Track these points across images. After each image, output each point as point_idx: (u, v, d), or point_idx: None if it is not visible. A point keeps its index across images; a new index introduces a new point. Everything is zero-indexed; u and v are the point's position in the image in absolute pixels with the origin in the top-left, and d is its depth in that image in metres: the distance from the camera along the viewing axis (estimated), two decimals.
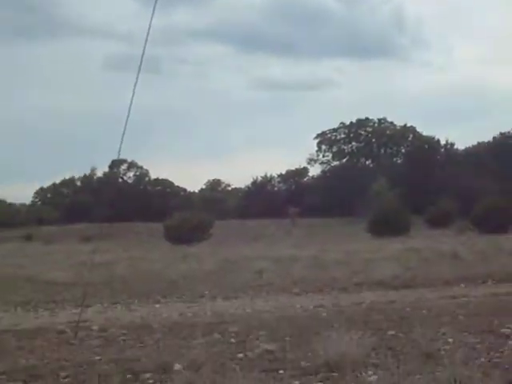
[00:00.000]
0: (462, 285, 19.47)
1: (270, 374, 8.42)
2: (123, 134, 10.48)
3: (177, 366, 8.64)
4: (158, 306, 16.82)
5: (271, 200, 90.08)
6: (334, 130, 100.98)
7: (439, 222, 62.50)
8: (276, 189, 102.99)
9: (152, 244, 49.73)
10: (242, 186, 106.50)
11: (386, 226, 52.07)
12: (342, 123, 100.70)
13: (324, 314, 13.98)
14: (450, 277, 20.71)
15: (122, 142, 10.46)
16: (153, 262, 29.18)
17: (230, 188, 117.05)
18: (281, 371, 8.58)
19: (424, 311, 13.94)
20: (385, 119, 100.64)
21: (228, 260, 29.41)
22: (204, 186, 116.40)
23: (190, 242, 48.54)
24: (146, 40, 9.17)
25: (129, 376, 8.42)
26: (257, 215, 79.32)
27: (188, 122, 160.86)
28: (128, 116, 9.14)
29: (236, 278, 22.21)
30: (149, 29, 9.03)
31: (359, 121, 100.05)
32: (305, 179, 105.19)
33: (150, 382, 8.16)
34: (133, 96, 9.41)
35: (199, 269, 25.10)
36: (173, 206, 77.74)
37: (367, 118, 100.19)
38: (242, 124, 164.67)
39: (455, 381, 7.50)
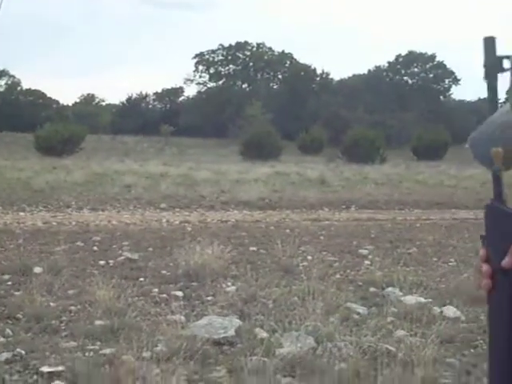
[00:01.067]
0: (326, 209, 19.92)
1: (130, 281, 8.48)
2: None
3: (37, 269, 8.59)
4: (22, 213, 16.35)
5: (145, 118, 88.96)
6: (213, 51, 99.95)
7: (310, 148, 63.32)
8: (151, 107, 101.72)
9: (21, 154, 48.38)
10: (117, 102, 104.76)
11: (257, 149, 52.44)
12: (220, 45, 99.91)
13: (189, 229, 14.10)
14: (316, 201, 21.15)
15: None
16: (20, 170, 28.36)
17: (104, 103, 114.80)
18: (141, 279, 8.67)
19: (287, 231, 14.28)
20: (263, 44, 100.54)
21: (97, 173, 29.04)
22: (78, 100, 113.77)
23: (60, 154, 47.59)
24: None
25: None
26: (130, 132, 78.25)
27: (65, 33, 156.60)
28: None
29: (104, 190, 21.90)
30: None
31: (238, 44, 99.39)
32: (180, 99, 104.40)
33: (9, 283, 8.08)
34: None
35: (67, 180, 24.58)
36: (45, 117, 75.50)
37: (246, 42, 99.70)
38: (121, 40, 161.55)
39: (309, 293, 7.77)
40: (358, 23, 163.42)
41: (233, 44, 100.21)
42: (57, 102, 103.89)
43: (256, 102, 75.82)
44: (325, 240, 12.99)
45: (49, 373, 5.09)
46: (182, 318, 6.72)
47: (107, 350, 5.68)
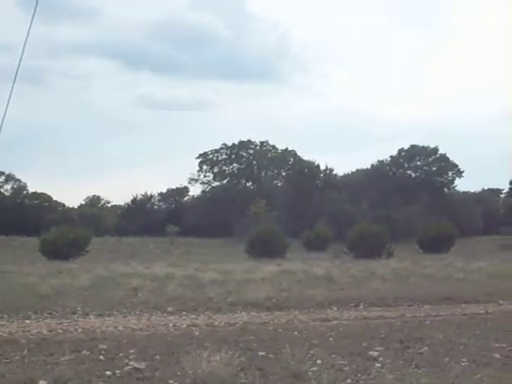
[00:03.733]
0: (335, 308, 19.72)
1: None
2: None
3: (42, 383, 8.44)
4: (28, 321, 16.18)
5: (151, 218, 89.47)
6: (216, 150, 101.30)
7: (316, 245, 63.46)
8: (156, 207, 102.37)
9: (28, 259, 48.39)
10: (122, 203, 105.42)
11: (263, 247, 52.55)
12: (223, 144, 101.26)
13: (196, 333, 13.93)
14: (323, 299, 20.96)
15: None
16: (26, 276, 28.33)
17: (109, 205, 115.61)
18: None
19: (296, 333, 14.10)
20: (267, 142, 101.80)
21: (103, 276, 28.98)
22: (83, 202, 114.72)
23: (66, 257, 47.68)
24: (24, 50, 8.92)
25: None
26: (136, 233, 78.60)
27: (69, 137, 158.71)
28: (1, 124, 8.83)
29: (110, 294, 21.81)
30: (26, 38, 8.78)
31: (241, 143, 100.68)
32: (185, 199, 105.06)
33: None
34: (7, 107, 9.11)
35: (72, 284, 24.50)
36: (50, 220, 75.92)
37: (249, 141, 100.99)
38: (123, 142, 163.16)
39: None
40: (359, 118, 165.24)
41: (236, 143, 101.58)
42: (62, 205, 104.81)
43: (260, 200, 76.35)
44: (334, 342, 12.80)
45: None
46: None
47: None
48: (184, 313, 18.34)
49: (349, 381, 9.07)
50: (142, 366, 9.85)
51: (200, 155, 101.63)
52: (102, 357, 10.84)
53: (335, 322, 16.61)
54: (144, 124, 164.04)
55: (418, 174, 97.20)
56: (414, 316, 17.69)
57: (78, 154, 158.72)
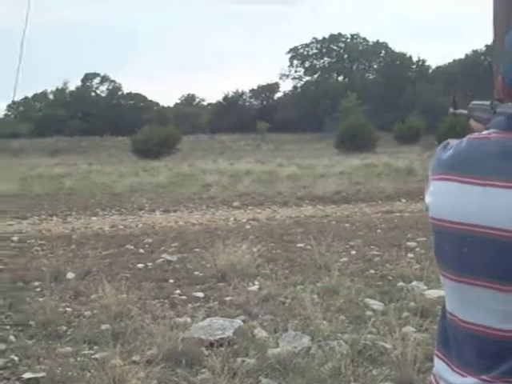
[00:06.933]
0: (404, 200, 19.60)
1: (159, 282, 8.58)
2: None
3: (69, 275, 8.77)
4: (94, 218, 16.64)
5: (242, 115, 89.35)
6: (307, 45, 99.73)
7: (407, 138, 62.44)
8: (247, 104, 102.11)
9: (119, 158, 49.36)
10: (215, 101, 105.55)
11: (352, 141, 52.07)
12: (314, 38, 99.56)
13: (248, 227, 14.09)
14: (394, 192, 20.86)
15: None
16: (107, 174, 28.99)
17: (204, 103, 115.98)
18: (171, 280, 8.74)
19: (347, 225, 14.12)
20: (357, 35, 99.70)
21: (183, 174, 29.40)
22: (178, 101, 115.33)
23: (157, 156, 48.29)
24: None
25: (19, 284, 8.54)
26: (228, 130, 78.85)
27: (162, 35, 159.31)
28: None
29: (184, 191, 22.20)
30: None
31: (332, 36, 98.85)
32: (276, 95, 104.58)
33: (38, 289, 8.26)
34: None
35: (150, 182, 24.96)
36: (146, 120, 76.76)
37: (340, 34, 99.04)
38: (217, 38, 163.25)
39: (332, 290, 7.71)
40: (452, 9, 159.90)
41: (326, 37, 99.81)
42: (157, 104, 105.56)
43: (351, 94, 75.20)
44: (380, 233, 12.80)
45: (28, 379, 5.20)
46: (189, 319, 6.75)
47: (99, 355, 5.76)
48: (250, 207, 18.49)
49: (372, 271, 9.09)
50: (174, 258, 10.10)
51: (290, 50, 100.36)
52: (142, 250, 11.14)
53: (397, 214, 16.51)
54: (236, 20, 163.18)
55: None
56: None
57: (172, 51, 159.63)
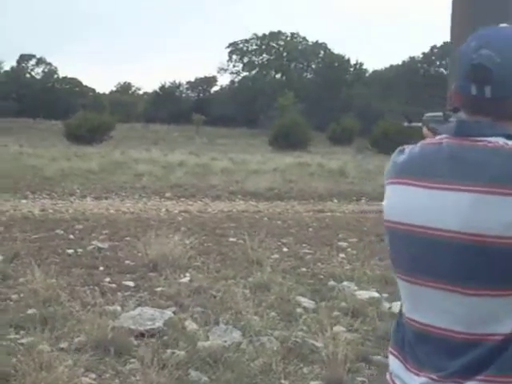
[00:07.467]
0: (336, 200, 19.72)
1: (88, 269, 8.46)
2: None
3: None
4: (24, 201, 16.28)
5: (178, 106, 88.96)
6: (246, 40, 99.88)
7: (340, 139, 62.95)
8: (184, 96, 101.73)
9: (51, 142, 48.59)
10: (152, 90, 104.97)
11: (286, 139, 52.24)
12: (254, 34, 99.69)
13: (180, 219, 14.01)
14: (326, 192, 20.94)
15: None
16: (38, 157, 28.48)
17: (140, 92, 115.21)
18: (101, 268, 8.63)
19: (279, 222, 14.15)
20: (297, 34, 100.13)
21: (115, 162, 29.05)
22: (114, 89, 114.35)
23: (89, 142, 47.71)
24: None
25: None
26: (163, 121, 78.48)
27: (103, 21, 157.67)
28: None
29: (116, 179, 21.92)
30: None
31: (272, 33, 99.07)
32: (213, 88, 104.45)
33: None
34: None
35: (81, 168, 24.59)
36: (80, 106, 75.77)
37: (279, 31, 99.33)
38: (155, 28, 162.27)
39: (263, 286, 7.71)
40: (392, 13, 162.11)
41: (266, 33, 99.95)
42: (93, 90, 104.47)
43: (288, 92, 75.57)
44: (312, 232, 12.85)
45: None
46: (118, 308, 6.67)
47: (26, 340, 5.64)
48: (182, 199, 18.37)
49: (303, 269, 9.12)
50: (105, 246, 9.98)
51: (230, 44, 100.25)
52: (72, 236, 10.97)
53: (329, 213, 16.61)
54: (176, 11, 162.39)
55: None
56: None
57: (109, 38, 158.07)
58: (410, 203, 1.67)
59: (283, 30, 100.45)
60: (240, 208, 16.90)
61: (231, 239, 11.34)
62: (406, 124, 2.61)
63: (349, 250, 10.79)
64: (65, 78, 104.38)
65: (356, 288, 7.86)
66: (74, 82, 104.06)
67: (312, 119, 63.96)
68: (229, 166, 28.97)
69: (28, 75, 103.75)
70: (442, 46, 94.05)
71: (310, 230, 13.18)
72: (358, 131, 65.22)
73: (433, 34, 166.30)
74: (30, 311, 6.40)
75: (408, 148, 1.78)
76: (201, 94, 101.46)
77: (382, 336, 6.19)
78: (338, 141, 62.71)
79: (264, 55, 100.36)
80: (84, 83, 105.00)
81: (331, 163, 33.63)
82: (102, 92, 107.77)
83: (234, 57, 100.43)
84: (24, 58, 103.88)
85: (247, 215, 15.32)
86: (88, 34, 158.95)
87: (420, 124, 2.26)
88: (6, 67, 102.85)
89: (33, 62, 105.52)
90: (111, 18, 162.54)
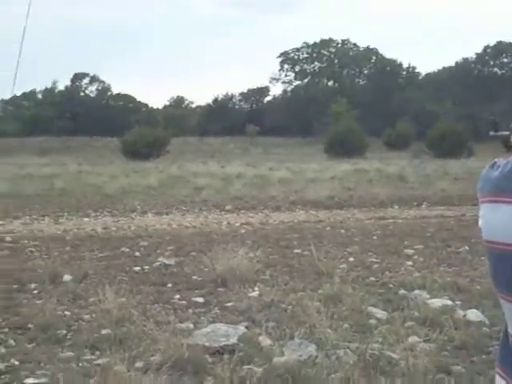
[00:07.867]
0: (396, 206, 19.51)
1: (156, 287, 8.46)
2: None
3: (66, 277, 8.64)
4: (86, 219, 16.44)
5: (232, 118, 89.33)
6: (297, 49, 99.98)
7: (396, 144, 62.55)
8: (237, 107, 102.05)
9: (108, 159, 49.12)
10: (205, 103, 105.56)
11: (342, 146, 52.05)
12: (305, 43, 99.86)
13: (242, 231, 13.98)
14: (387, 198, 20.73)
15: None
16: (97, 175, 28.81)
17: (193, 105, 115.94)
18: (169, 285, 8.62)
19: (342, 231, 14.03)
20: (348, 40, 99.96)
21: (174, 176, 29.26)
22: (168, 103, 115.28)
23: (146, 157, 48.15)
24: None
25: (15, 286, 8.40)
26: (217, 133, 78.87)
27: (153, 38, 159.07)
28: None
29: (175, 193, 22.04)
30: None
31: (322, 41, 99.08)
32: (266, 98, 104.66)
33: (35, 292, 8.14)
34: None
35: (141, 184, 24.79)
36: (135, 121, 76.51)
37: (330, 39, 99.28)
38: (207, 41, 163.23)
39: (334, 298, 7.61)
40: (444, 16, 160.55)
41: (317, 41, 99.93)
42: (146, 106, 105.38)
43: (341, 99, 75.43)
44: (376, 240, 12.70)
45: None
46: (191, 325, 6.64)
47: (102, 360, 5.64)
48: (242, 211, 18.35)
49: (372, 278, 9.00)
50: (172, 262, 9.98)
51: (281, 54, 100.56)
52: (138, 253, 11.01)
53: (391, 220, 16.42)
54: (227, 24, 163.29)
55: (504, 71, 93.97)
56: (474, 215, 17.34)
57: (162, 54, 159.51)
58: (510, 223, 1.57)
59: (334, 38, 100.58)
60: (301, 218, 16.82)
61: (296, 250, 11.26)
62: (491, 133, 2.49)
63: (415, 257, 10.62)
64: (118, 94, 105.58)
65: (428, 296, 7.71)
66: (127, 98, 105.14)
67: (366, 125, 63.61)
68: (286, 176, 28.95)
69: (82, 93, 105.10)
70: (495, 45, 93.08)
71: (374, 237, 13.03)
72: (413, 135, 64.67)
73: (485, 33, 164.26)
74: (103, 331, 6.40)
75: (500, 162, 1.68)
76: (254, 105, 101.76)
77: (460, 346, 6.07)
78: (393, 146, 62.30)
79: (315, 63, 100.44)
80: (137, 99, 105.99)
81: (389, 168, 33.37)
82: (155, 107, 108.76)
83: (286, 66, 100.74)
84: (78, 77, 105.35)
85: (309, 225, 15.22)
86: (139, 51, 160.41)
87: (508, 133, 2.16)
88: (61, 86, 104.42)
89: (86, 80, 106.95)
90: (162, 33, 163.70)
